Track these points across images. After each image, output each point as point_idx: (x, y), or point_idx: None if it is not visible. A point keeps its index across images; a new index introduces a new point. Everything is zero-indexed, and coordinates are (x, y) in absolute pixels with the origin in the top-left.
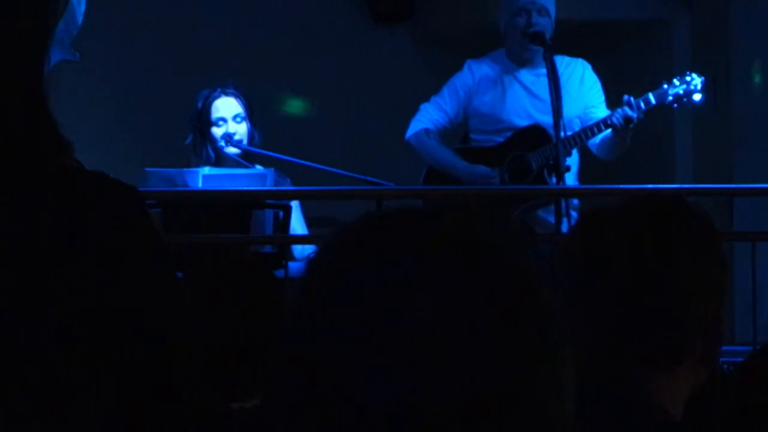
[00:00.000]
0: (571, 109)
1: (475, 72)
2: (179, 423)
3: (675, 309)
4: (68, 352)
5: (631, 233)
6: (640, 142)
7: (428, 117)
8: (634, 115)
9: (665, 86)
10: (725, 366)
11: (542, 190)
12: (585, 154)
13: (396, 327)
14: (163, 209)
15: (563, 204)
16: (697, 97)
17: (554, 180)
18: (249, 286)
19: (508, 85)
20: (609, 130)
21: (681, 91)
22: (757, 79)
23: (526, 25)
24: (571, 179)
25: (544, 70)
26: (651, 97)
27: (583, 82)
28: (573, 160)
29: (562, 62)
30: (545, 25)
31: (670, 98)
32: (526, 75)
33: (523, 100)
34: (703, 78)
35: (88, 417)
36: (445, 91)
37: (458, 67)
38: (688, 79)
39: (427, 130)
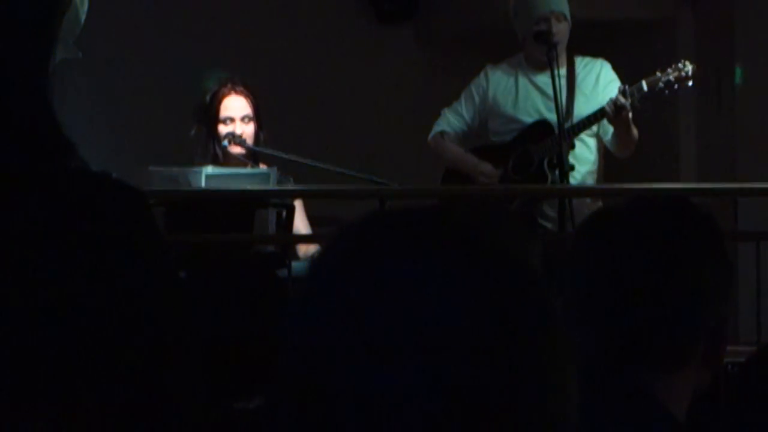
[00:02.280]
0: (584, 108)
1: (490, 76)
2: (182, 423)
3: (680, 310)
4: (70, 352)
5: (637, 234)
6: (644, 142)
7: (446, 121)
8: (627, 103)
9: (657, 74)
10: (729, 366)
11: (547, 189)
12: (607, 154)
13: (400, 327)
14: (166, 208)
15: (566, 203)
16: (689, 82)
17: (558, 177)
18: (252, 285)
19: (522, 87)
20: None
21: (672, 78)
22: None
23: (547, 33)
24: (590, 179)
25: (561, 71)
26: (643, 84)
27: (599, 81)
28: (588, 160)
29: (582, 62)
30: (563, 30)
31: (661, 85)
32: (542, 78)
33: (536, 100)
34: (694, 65)
35: (90, 417)
36: (462, 95)
37: (461, 67)
38: (679, 66)
39: (443, 132)
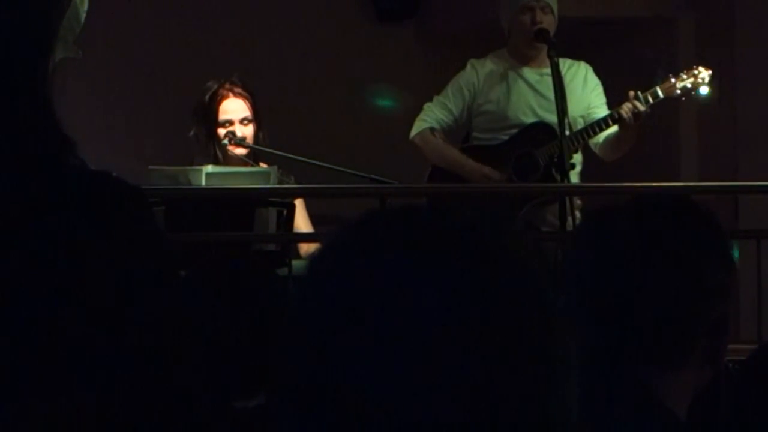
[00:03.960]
0: (575, 109)
1: (479, 71)
2: (182, 422)
3: (681, 308)
4: (71, 351)
5: (638, 232)
6: (645, 141)
7: (433, 116)
8: (644, 110)
9: (672, 79)
10: (730, 364)
11: (547, 189)
12: (587, 154)
13: (399, 326)
14: (166, 207)
15: (568, 203)
16: (704, 90)
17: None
18: (252, 284)
19: (512, 82)
20: (613, 128)
21: (689, 84)
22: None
23: (531, 23)
24: (574, 178)
25: (547, 69)
26: (658, 91)
27: (587, 83)
28: (578, 160)
29: (564, 64)
30: (549, 22)
31: (678, 92)
32: (530, 73)
33: (528, 97)
34: (710, 71)
35: (92, 415)
36: (449, 90)
37: (462, 66)
38: (695, 72)
39: (432, 129)
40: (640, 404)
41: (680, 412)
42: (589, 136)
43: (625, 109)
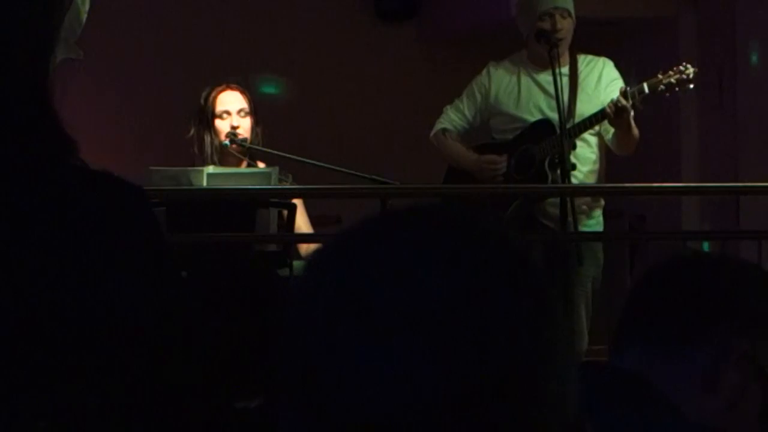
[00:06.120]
0: (586, 107)
1: (493, 73)
2: (183, 423)
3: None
4: (71, 350)
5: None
6: (646, 141)
7: (447, 118)
8: (628, 105)
9: (659, 75)
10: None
11: (548, 189)
12: (609, 153)
13: (398, 326)
14: (167, 207)
15: (568, 203)
16: (690, 85)
17: (559, 176)
18: (253, 285)
19: (524, 85)
20: None
21: (673, 80)
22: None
23: (552, 30)
24: (592, 178)
25: (564, 69)
26: (644, 86)
27: (601, 80)
28: (589, 159)
29: (584, 61)
30: (568, 27)
31: (662, 87)
32: (544, 76)
33: (538, 99)
34: (695, 69)
35: (94, 417)
36: (465, 93)
37: (462, 66)
38: (681, 68)
39: (444, 130)
40: (640, 399)
41: (687, 409)
42: (581, 131)
43: (609, 104)
